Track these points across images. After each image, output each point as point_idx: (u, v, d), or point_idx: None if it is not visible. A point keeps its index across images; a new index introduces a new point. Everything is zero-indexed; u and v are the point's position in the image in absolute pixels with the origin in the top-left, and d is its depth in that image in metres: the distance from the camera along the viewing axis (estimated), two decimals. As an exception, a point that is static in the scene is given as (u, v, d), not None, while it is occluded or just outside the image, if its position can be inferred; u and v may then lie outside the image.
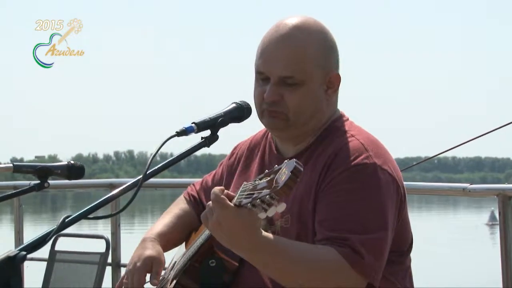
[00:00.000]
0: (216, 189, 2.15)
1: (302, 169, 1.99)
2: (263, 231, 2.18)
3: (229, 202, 2.12)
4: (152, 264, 2.54)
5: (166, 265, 2.75)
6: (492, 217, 33.03)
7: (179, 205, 2.78)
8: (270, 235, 2.21)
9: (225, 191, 2.17)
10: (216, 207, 2.13)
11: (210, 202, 2.17)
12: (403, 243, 2.45)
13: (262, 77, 2.47)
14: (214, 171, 2.79)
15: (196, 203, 2.77)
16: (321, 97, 2.46)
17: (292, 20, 2.46)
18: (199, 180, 2.85)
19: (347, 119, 2.52)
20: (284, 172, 1.99)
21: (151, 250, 2.58)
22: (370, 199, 2.32)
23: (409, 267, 2.51)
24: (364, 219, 2.30)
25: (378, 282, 2.30)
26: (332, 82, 2.47)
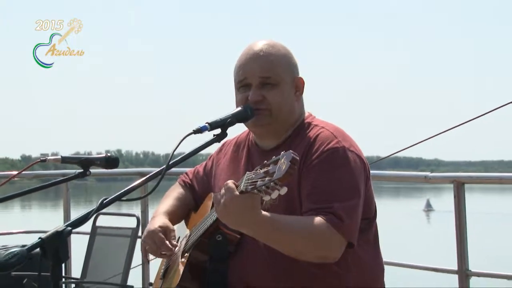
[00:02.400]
0: (229, 181, 2.18)
1: (298, 158, 2.03)
2: (262, 211, 2.19)
3: (236, 191, 2.14)
4: (165, 231, 2.56)
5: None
6: (428, 205, 33.90)
7: (176, 190, 2.78)
8: (268, 214, 2.22)
9: (234, 182, 2.19)
10: (226, 194, 2.15)
11: (221, 191, 2.18)
12: (369, 210, 2.46)
13: (243, 85, 2.49)
14: (204, 163, 2.81)
15: (191, 188, 2.78)
16: (292, 97, 2.50)
17: (261, 41, 2.53)
18: (191, 169, 2.85)
19: (315, 117, 2.56)
20: (283, 162, 2.02)
21: (161, 221, 2.59)
22: (344, 175, 2.36)
23: (376, 233, 2.52)
24: (341, 190, 2.33)
25: (356, 241, 2.33)
26: (298, 85, 2.52)
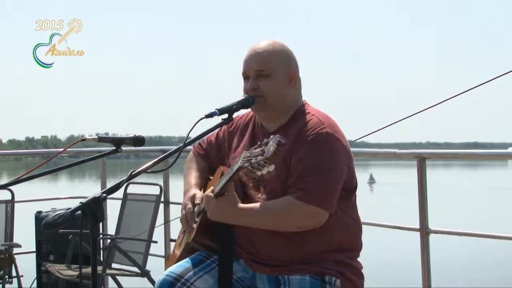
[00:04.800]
0: (208, 191, 2.35)
1: (283, 141, 2.07)
2: (240, 203, 2.32)
3: (214, 198, 2.33)
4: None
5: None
6: (371, 178, 34.02)
7: (194, 161, 2.76)
8: (245, 205, 2.33)
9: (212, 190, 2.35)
10: (207, 203, 2.34)
11: (207, 195, 2.35)
12: (350, 184, 2.46)
13: (245, 77, 2.50)
14: (215, 133, 2.73)
15: (206, 156, 2.75)
16: (285, 86, 2.48)
17: (264, 40, 2.53)
18: (203, 139, 2.78)
19: (309, 105, 2.54)
20: (271, 145, 2.07)
21: (196, 192, 2.60)
22: (325, 155, 2.36)
23: (355, 202, 2.53)
24: (319, 165, 2.33)
25: (333, 209, 2.34)
26: (291, 76, 2.50)
